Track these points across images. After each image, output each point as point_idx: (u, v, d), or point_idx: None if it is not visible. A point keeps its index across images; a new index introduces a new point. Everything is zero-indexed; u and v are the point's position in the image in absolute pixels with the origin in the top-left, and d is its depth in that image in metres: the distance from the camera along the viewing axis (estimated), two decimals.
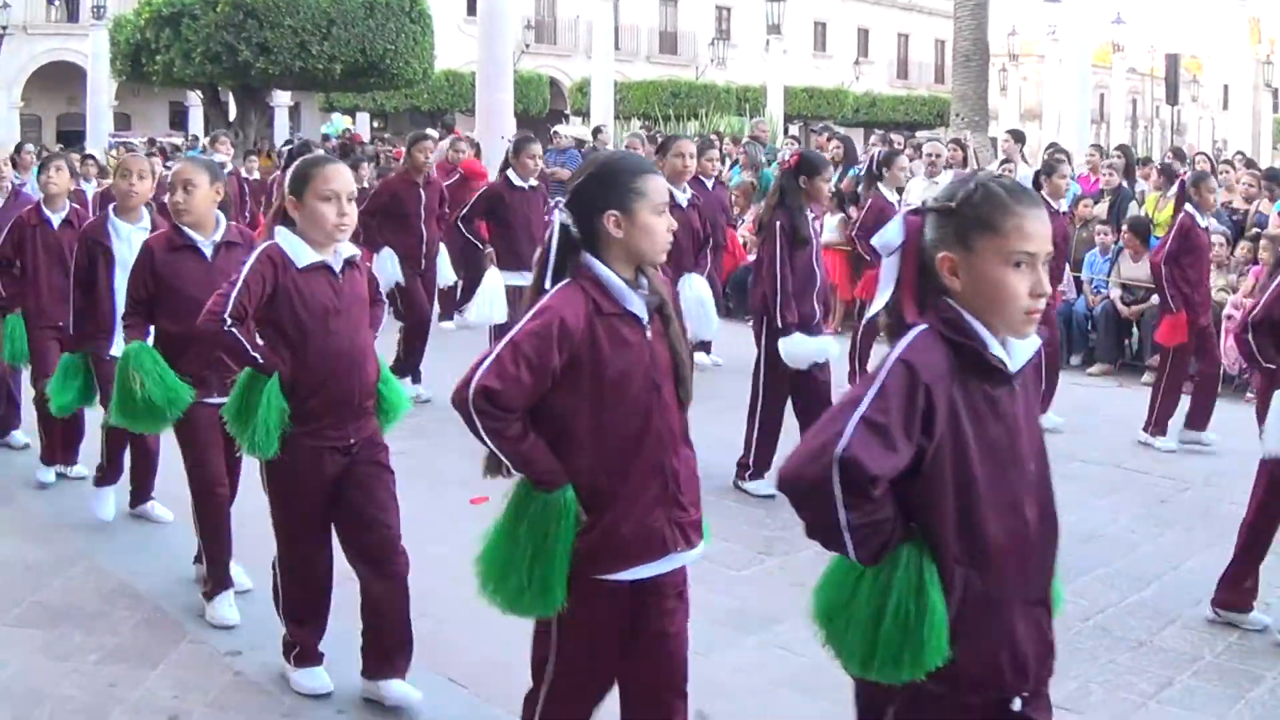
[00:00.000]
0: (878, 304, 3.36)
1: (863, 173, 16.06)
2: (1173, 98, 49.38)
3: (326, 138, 30.39)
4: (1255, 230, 14.46)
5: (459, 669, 5.94)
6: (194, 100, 46.57)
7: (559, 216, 4.08)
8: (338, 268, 5.43)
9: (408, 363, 12.00)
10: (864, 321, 12.28)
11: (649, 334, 4.03)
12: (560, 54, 62.95)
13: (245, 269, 5.30)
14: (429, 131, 16.38)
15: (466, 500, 6.76)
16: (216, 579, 6.59)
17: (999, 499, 3.18)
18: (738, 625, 6.61)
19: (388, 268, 11.78)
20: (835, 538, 3.10)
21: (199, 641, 6.26)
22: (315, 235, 5.36)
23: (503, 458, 4.00)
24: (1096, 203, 16.20)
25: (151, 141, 31.40)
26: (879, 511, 3.09)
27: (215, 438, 6.38)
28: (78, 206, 9.66)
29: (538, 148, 12.26)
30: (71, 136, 48.12)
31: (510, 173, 11.77)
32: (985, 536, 3.16)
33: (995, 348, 3.19)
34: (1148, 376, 12.90)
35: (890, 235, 3.34)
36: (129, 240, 7.55)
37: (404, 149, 12.86)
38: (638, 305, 4.00)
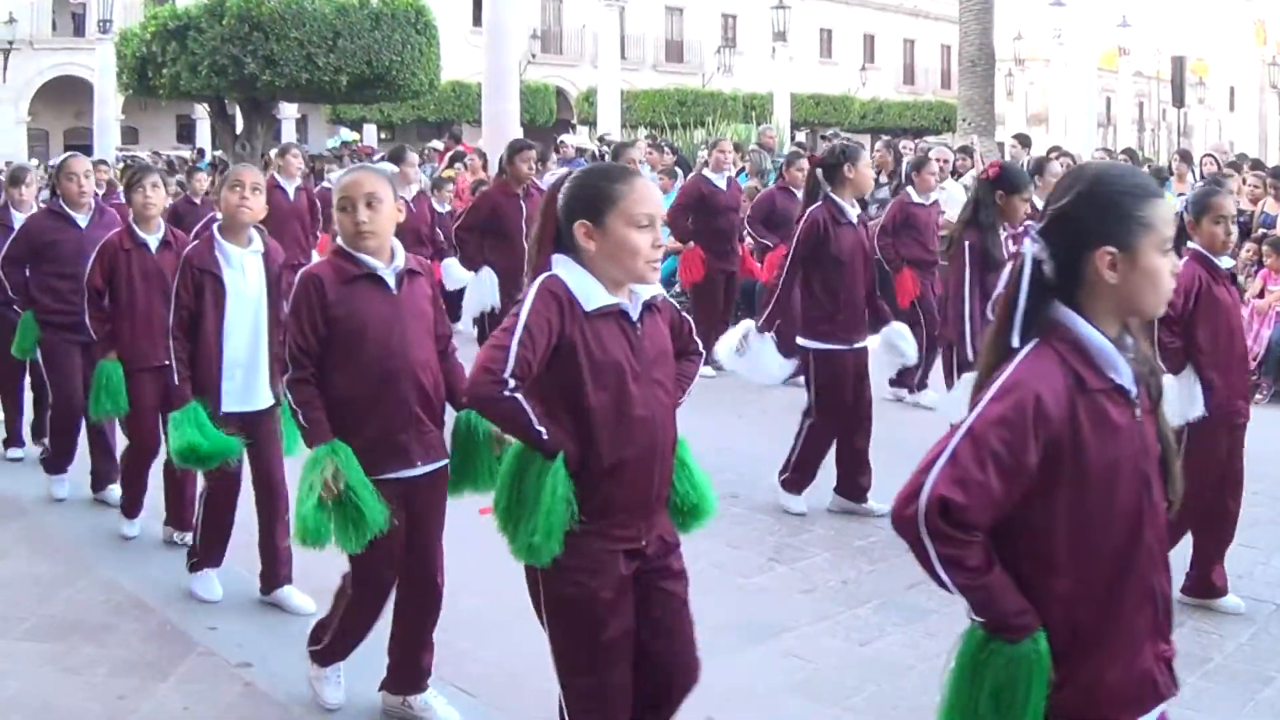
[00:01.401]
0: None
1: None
2: (1179, 100, 49.33)
3: (346, 145, 30.26)
4: (1261, 232, 14.45)
5: (467, 679, 5.91)
6: (201, 113, 46.54)
7: (1029, 248, 3.11)
8: (635, 314, 4.08)
9: None
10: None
11: (1138, 413, 3.10)
12: (566, 64, 62.96)
13: (524, 310, 3.91)
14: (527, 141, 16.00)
15: (475, 510, 6.75)
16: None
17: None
18: (747, 632, 6.57)
19: (485, 289, 11.22)
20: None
21: (209, 653, 6.24)
22: (615, 273, 4.02)
23: (963, 596, 3.02)
24: None
25: (158, 155, 31.42)
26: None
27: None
28: (175, 229, 8.37)
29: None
30: (79, 151, 47.97)
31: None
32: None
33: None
34: None
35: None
36: (242, 267, 6.71)
37: (505, 158, 12.02)
38: (1127, 376, 3.06)
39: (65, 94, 53.10)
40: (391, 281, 5.20)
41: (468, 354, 10.49)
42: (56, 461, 9.16)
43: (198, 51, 27.85)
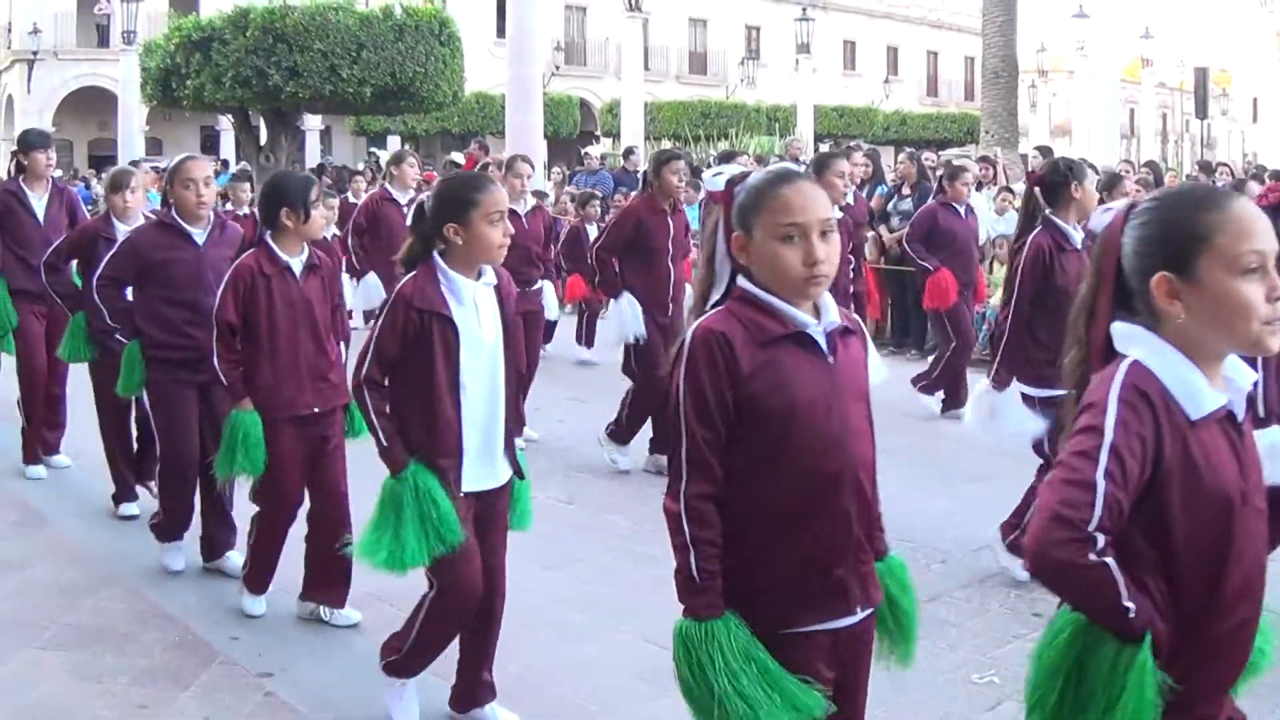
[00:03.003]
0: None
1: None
2: (1202, 111, 49.29)
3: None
4: None
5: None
6: (225, 124, 46.76)
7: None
8: (1240, 413, 2.94)
9: (628, 431, 10.34)
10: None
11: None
12: (590, 75, 63.09)
13: (1108, 422, 2.74)
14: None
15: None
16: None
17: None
18: None
19: (627, 316, 10.00)
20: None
21: (230, 663, 6.25)
22: (1218, 346, 2.85)
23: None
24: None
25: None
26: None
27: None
28: (320, 251, 6.97)
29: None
30: (103, 161, 48.34)
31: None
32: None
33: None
34: None
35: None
36: (474, 305, 5.21)
37: (650, 170, 10.40)
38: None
39: (89, 105, 53.38)
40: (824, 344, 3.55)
41: (615, 389, 10.65)
42: (169, 527, 7.68)
43: (222, 63, 27.94)
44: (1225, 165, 21.81)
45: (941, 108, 72.26)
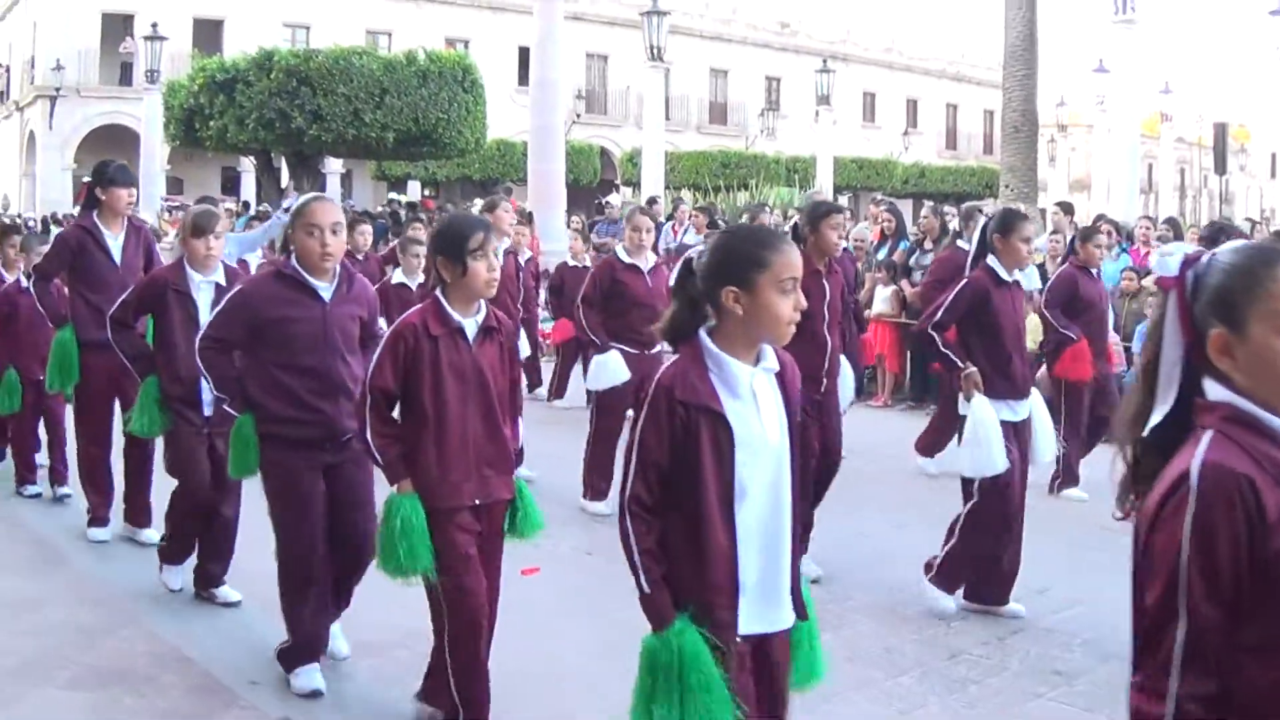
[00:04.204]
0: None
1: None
2: (1221, 167, 49.19)
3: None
4: None
5: None
6: (246, 165, 47.04)
7: None
8: None
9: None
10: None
11: None
12: (610, 124, 63.44)
13: None
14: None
15: (517, 571, 6.77)
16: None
17: None
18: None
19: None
20: None
21: (250, 707, 6.23)
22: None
23: None
24: (1145, 275, 16.11)
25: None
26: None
27: None
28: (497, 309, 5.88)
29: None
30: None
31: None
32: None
33: None
34: None
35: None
36: (752, 397, 4.02)
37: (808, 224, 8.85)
38: None
39: (111, 142, 53.50)
40: None
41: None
42: (296, 650, 6.45)
43: (245, 104, 28.17)
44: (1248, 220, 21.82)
45: (960, 161, 72.39)
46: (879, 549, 9.27)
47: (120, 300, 7.97)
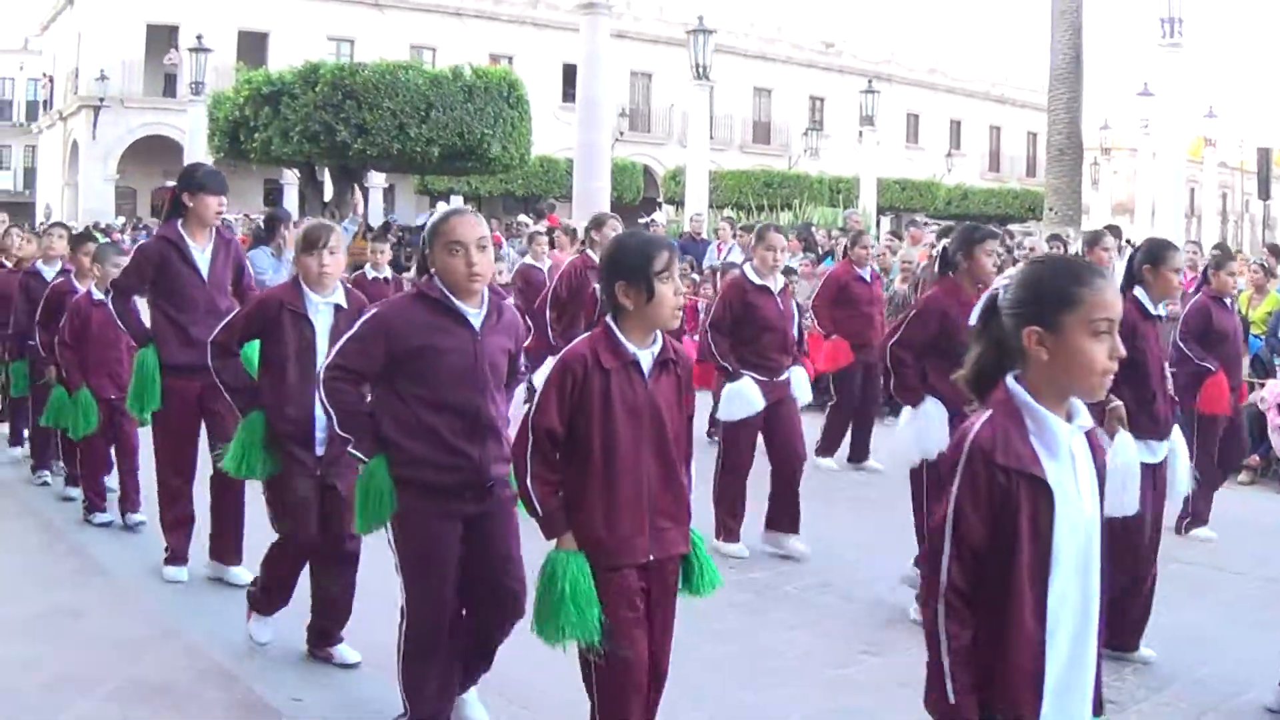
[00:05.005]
0: None
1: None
2: (1264, 193, 49.05)
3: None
4: None
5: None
6: (289, 178, 47.15)
7: None
8: None
9: None
10: None
11: None
12: (654, 142, 63.52)
13: None
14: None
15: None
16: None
17: None
18: None
19: (934, 430, 7.92)
20: None
21: None
22: None
23: None
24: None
25: (248, 217, 31.72)
26: None
27: None
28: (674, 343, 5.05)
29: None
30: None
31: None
32: None
33: None
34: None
35: None
36: (1070, 459, 3.54)
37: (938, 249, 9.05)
38: None
39: (154, 153, 53.97)
40: None
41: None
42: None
43: (290, 117, 28.21)
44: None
45: (1003, 183, 72.12)
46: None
47: (225, 322, 7.16)
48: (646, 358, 4.83)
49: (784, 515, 9.50)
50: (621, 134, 58.32)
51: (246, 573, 8.01)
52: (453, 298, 5.44)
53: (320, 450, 6.80)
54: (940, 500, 3.47)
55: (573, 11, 36.89)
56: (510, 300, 5.28)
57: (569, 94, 49.06)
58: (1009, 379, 3.50)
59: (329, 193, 32.38)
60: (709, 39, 37.19)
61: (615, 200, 40.66)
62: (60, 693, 6.42)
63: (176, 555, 8.53)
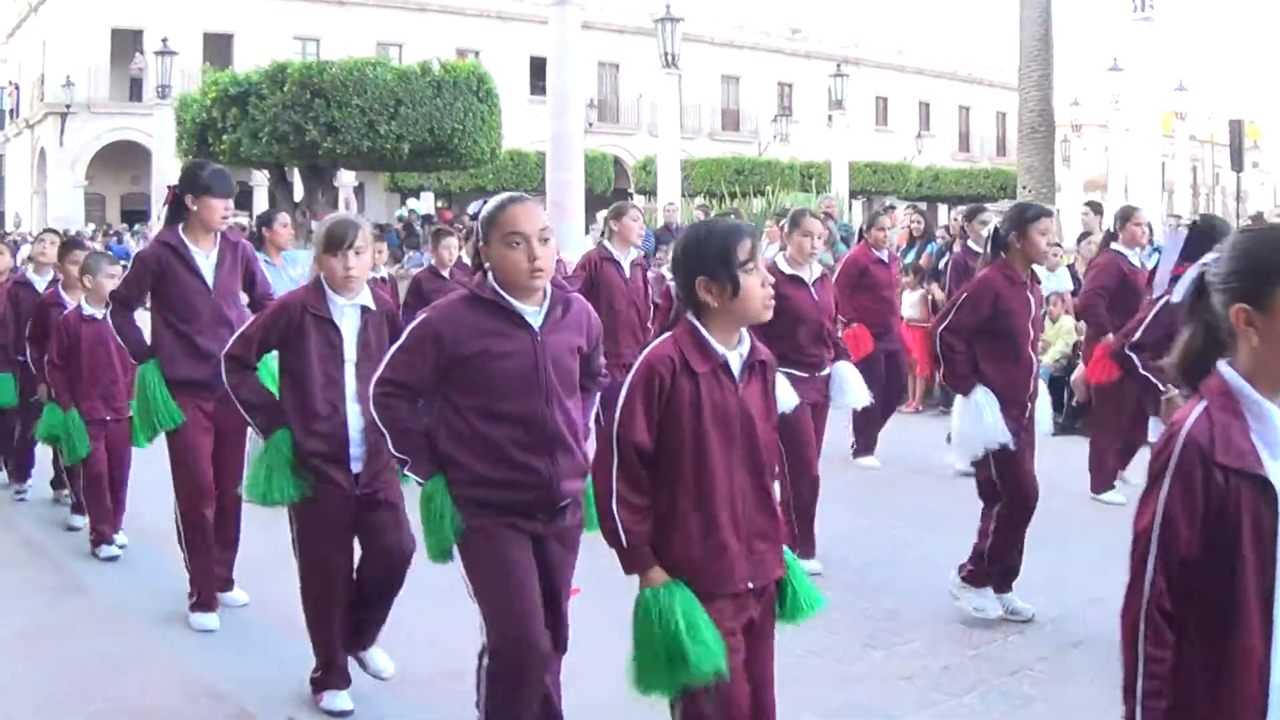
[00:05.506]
0: None
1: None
2: (1238, 164, 49.02)
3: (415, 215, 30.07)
4: None
5: None
6: (258, 180, 46.91)
7: None
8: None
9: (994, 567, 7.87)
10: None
11: None
12: (623, 132, 63.53)
13: None
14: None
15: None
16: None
17: None
18: None
19: (987, 419, 7.57)
20: None
21: None
22: None
23: None
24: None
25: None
26: None
27: None
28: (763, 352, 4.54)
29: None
30: (135, 215, 48.80)
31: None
32: None
33: None
34: None
35: None
36: None
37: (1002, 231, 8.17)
38: None
39: (122, 159, 53.81)
40: None
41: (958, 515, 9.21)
42: None
43: (259, 118, 28.03)
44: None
45: (974, 163, 72.25)
46: (923, 556, 8.99)
47: (239, 333, 6.46)
48: (735, 359, 4.33)
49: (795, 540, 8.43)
50: (590, 125, 58.26)
51: (242, 594, 7.84)
52: (507, 296, 4.90)
53: (357, 467, 6.14)
54: (1146, 503, 3.07)
55: (540, 4, 36.78)
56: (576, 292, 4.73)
57: (537, 87, 49.00)
58: (1222, 366, 3.09)
59: (299, 193, 32.20)
60: (676, 27, 37.14)
61: (587, 191, 40.64)
62: (42, 716, 6.28)
63: (203, 602, 7.65)
